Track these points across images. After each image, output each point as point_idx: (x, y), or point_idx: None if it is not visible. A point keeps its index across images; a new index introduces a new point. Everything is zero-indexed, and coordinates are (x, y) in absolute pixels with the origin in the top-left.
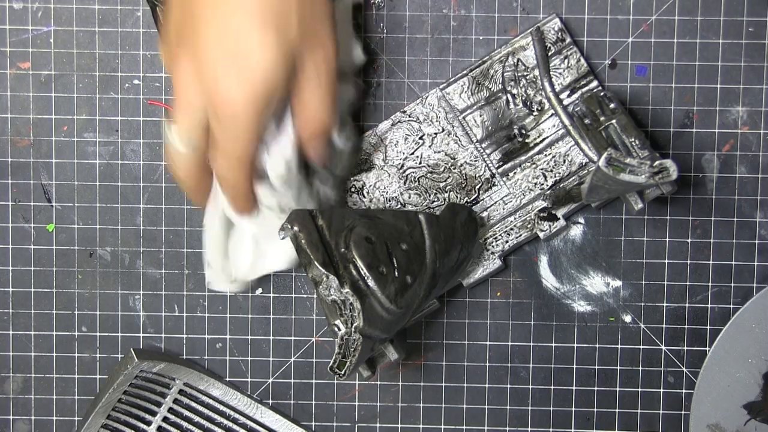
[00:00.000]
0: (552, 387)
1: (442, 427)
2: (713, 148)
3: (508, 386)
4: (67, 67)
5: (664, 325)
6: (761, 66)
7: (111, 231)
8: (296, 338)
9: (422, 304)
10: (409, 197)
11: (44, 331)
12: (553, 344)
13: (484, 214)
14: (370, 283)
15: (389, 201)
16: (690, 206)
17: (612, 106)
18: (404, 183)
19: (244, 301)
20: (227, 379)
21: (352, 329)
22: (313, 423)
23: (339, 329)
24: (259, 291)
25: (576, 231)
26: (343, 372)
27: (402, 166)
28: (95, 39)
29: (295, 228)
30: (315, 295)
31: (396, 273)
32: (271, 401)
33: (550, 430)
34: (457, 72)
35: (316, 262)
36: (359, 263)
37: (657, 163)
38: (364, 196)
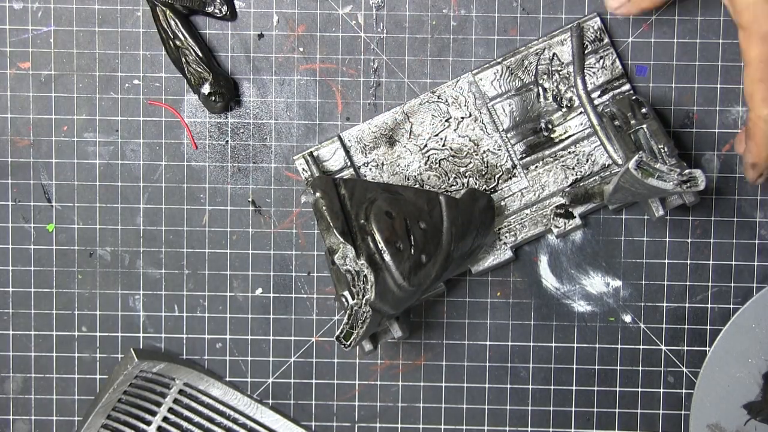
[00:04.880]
0: (552, 387)
1: (442, 427)
2: (713, 148)
3: (508, 386)
4: (67, 67)
5: (664, 325)
6: None
7: (111, 231)
8: (296, 338)
9: (431, 286)
10: (429, 178)
11: (44, 331)
12: (553, 344)
13: (502, 203)
14: (386, 257)
15: (408, 179)
16: (690, 206)
17: (644, 110)
18: (425, 163)
19: (244, 301)
20: (227, 379)
21: (363, 301)
22: (313, 423)
23: (347, 300)
24: (259, 291)
25: (576, 231)
26: (348, 342)
27: (425, 146)
28: (95, 39)
29: (318, 194)
30: (315, 294)
31: (412, 250)
32: (271, 401)
33: (550, 430)
34: (458, 73)
35: (335, 230)
36: (377, 236)
37: (686, 171)
38: (384, 172)
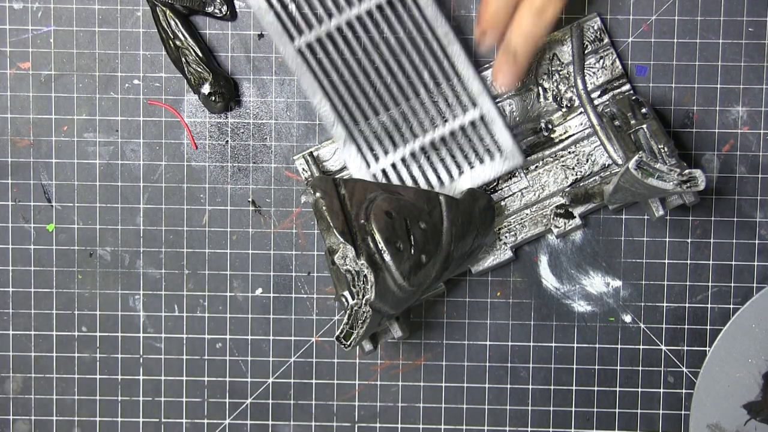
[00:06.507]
0: (552, 387)
1: (442, 427)
2: (713, 148)
3: (508, 386)
4: (67, 67)
5: (664, 325)
6: (761, 66)
7: (111, 231)
8: (296, 338)
9: (431, 286)
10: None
11: (44, 331)
12: (553, 344)
13: (502, 203)
14: (386, 257)
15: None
16: (690, 206)
17: (644, 111)
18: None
19: (244, 301)
20: (227, 379)
21: (363, 301)
22: (313, 423)
23: (347, 300)
24: (259, 291)
25: (576, 231)
26: (348, 342)
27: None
28: (95, 39)
29: (318, 194)
30: (315, 294)
31: (412, 250)
32: (271, 401)
33: (550, 430)
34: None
35: (335, 230)
36: (377, 236)
37: (686, 171)
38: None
